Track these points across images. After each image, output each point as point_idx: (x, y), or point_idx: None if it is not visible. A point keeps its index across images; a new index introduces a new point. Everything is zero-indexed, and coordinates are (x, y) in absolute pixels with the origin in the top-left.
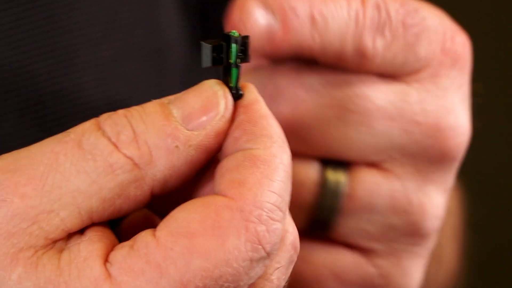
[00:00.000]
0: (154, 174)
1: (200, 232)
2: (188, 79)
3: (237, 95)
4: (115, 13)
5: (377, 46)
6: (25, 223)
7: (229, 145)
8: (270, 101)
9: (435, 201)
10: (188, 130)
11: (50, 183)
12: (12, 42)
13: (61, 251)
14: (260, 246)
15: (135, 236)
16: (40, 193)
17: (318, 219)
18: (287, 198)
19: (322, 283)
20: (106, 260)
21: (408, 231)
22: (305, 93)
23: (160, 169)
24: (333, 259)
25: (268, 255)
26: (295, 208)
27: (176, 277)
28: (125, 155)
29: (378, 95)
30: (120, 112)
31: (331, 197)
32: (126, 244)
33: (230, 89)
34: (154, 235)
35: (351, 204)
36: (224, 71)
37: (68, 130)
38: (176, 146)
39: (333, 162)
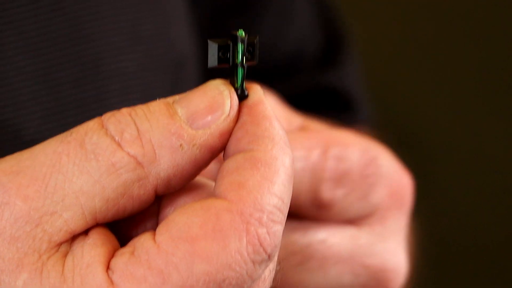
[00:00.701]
0: (157, 173)
1: (201, 236)
2: None
3: (242, 96)
4: (138, 24)
5: (335, 196)
6: (29, 226)
7: (231, 145)
8: None
9: None
10: (192, 129)
11: (53, 184)
12: (36, 50)
13: (65, 255)
14: (261, 249)
15: (133, 241)
16: (43, 195)
17: None
18: (287, 200)
19: None
20: (108, 267)
21: None
22: None
23: (164, 168)
24: None
25: (269, 257)
26: None
27: (179, 282)
28: (128, 153)
29: (335, 241)
30: (124, 110)
31: None
32: (126, 250)
33: (236, 89)
34: (154, 240)
35: None
36: (230, 71)
37: (70, 130)
38: (181, 145)
39: None
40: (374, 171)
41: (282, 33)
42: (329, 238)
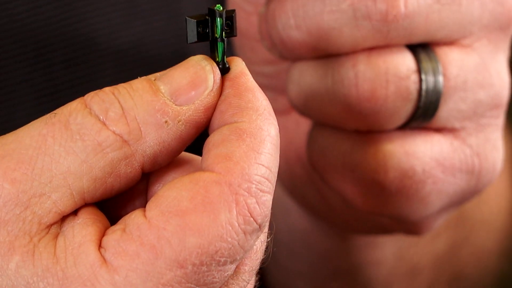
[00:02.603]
0: (144, 151)
1: (191, 209)
2: None
3: (224, 69)
4: None
5: None
6: (18, 209)
7: (215, 119)
8: None
9: (505, 67)
10: (177, 105)
11: (40, 166)
12: (26, 31)
13: (56, 236)
14: (251, 219)
15: (124, 218)
16: (30, 177)
17: (424, 107)
18: (275, 170)
19: (430, 174)
20: (100, 245)
21: (492, 104)
22: None
23: (150, 145)
24: (435, 148)
25: (260, 227)
26: (398, 101)
27: (172, 256)
28: (113, 132)
29: None
30: (107, 89)
31: (433, 80)
32: (117, 227)
33: (217, 63)
34: (145, 216)
35: (448, 85)
36: (211, 46)
37: (54, 111)
38: (166, 122)
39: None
40: None
41: None
42: None
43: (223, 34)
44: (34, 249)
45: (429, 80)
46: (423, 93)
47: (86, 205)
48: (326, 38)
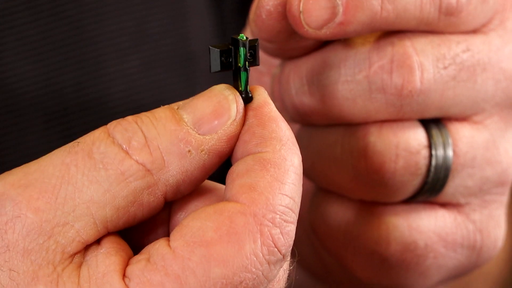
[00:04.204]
0: (166, 180)
1: (216, 240)
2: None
3: (247, 98)
4: (143, 23)
5: (462, 1)
6: (41, 238)
7: (239, 149)
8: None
9: None
10: (200, 134)
11: (63, 195)
12: (37, 55)
13: (79, 265)
14: (276, 249)
15: (147, 247)
16: (53, 206)
17: (432, 182)
18: (298, 199)
19: (432, 248)
20: (124, 275)
21: (498, 181)
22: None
23: (172, 174)
24: (438, 223)
25: (284, 257)
26: (406, 175)
27: (197, 286)
28: (136, 161)
29: (475, 48)
30: (130, 118)
31: (443, 157)
32: (141, 257)
33: (240, 93)
34: (169, 245)
35: (458, 161)
36: (234, 75)
37: (77, 140)
38: (189, 151)
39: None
40: None
41: None
42: (470, 47)
43: (246, 64)
44: (58, 279)
45: (439, 156)
46: (432, 168)
47: (109, 234)
48: (339, 107)
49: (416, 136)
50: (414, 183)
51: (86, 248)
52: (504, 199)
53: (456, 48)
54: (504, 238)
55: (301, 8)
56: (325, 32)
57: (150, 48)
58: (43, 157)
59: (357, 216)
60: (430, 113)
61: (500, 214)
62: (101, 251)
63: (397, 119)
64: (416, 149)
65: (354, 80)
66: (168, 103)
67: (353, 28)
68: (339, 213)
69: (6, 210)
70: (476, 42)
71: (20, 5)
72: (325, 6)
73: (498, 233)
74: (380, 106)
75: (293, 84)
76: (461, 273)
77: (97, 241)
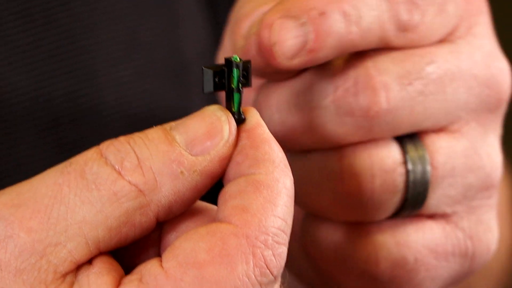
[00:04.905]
0: (159, 200)
1: (208, 261)
2: (213, 95)
3: (239, 120)
4: (135, 32)
5: (415, 16)
6: (34, 258)
7: (231, 170)
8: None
9: (496, 147)
10: (192, 155)
11: (55, 215)
12: (29, 64)
13: (71, 285)
14: (268, 271)
15: (140, 268)
16: (46, 226)
17: (412, 198)
18: (290, 221)
19: (423, 262)
20: None
21: (483, 186)
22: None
23: (165, 195)
24: (426, 236)
25: (276, 278)
26: (385, 194)
27: None
28: (129, 182)
29: (441, 60)
30: (122, 139)
31: (421, 171)
32: (134, 277)
33: (233, 114)
34: (161, 266)
35: (436, 174)
36: (227, 96)
37: (69, 160)
38: (181, 172)
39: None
40: None
41: None
42: (435, 59)
43: (240, 85)
44: None
45: (416, 171)
46: (411, 184)
47: (101, 254)
48: (311, 133)
49: (391, 154)
50: (394, 200)
51: (78, 268)
52: (493, 202)
53: (420, 62)
54: (500, 239)
55: (273, 40)
56: (297, 62)
57: (143, 57)
58: (36, 176)
59: (345, 237)
60: (402, 130)
61: (490, 218)
62: (93, 271)
63: (370, 140)
64: (391, 167)
65: (322, 106)
66: (162, 112)
67: (323, 54)
68: (328, 235)
69: None
70: (441, 53)
71: (12, 14)
72: (297, 34)
73: (490, 236)
74: (350, 129)
75: (265, 114)
76: (457, 281)
77: (89, 261)
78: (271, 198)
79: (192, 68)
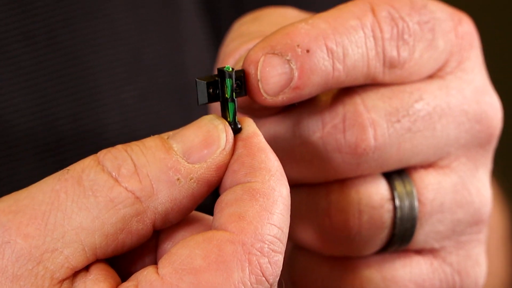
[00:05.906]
0: (155, 207)
1: (204, 268)
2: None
3: (235, 129)
4: (139, 54)
5: (403, 53)
6: (31, 264)
7: (228, 178)
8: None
9: (486, 182)
10: (189, 163)
11: (52, 222)
12: (32, 86)
13: None
14: (263, 278)
15: (136, 275)
16: (43, 233)
17: (399, 234)
18: (286, 230)
19: None
20: None
21: (472, 221)
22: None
23: (161, 202)
24: (414, 271)
25: (271, 286)
26: (372, 230)
27: None
28: (126, 188)
29: (429, 96)
30: (120, 146)
31: (408, 207)
32: (130, 284)
33: (229, 123)
34: (157, 273)
35: (424, 210)
36: (221, 106)
37: (67, 168)
38: (178, 179)
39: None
40: (429, 17)
41: None
42: (424, 95)
43: (234, 94)
44: None
45: (403, 207)
46: (398, 220)
47: (97, 261)
48: (298, 169)
49: (378, 190)
50: (381, 236)
51: (75, 274)
52: (482, 237)
53: (408, 99)
54: (492, 274)
55: (258, 77)
56: (282, 98)
57: (146, 79)
58: (34, 184)
59: (332, 271)
60: (390, 167)
61: (479, 253)
62: (90, 277)
63: (358, 176)
64: (379, 203)
65: (310, 142)
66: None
67: (308, 91)
68: (315, 268)
69: None
70: (430, 89)
71: (16, 36)
72: (282, 71)
73: (478, 271)
74: (338, 165)
75: None
76: None
77: (86, 268)
78: (267, 206)
79: (195, 90)
